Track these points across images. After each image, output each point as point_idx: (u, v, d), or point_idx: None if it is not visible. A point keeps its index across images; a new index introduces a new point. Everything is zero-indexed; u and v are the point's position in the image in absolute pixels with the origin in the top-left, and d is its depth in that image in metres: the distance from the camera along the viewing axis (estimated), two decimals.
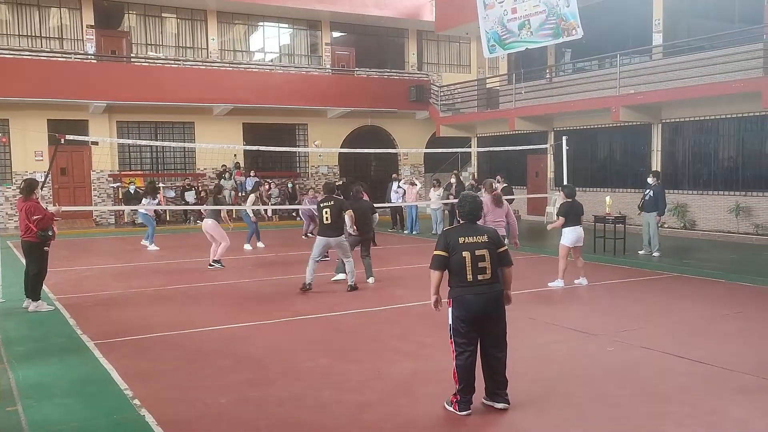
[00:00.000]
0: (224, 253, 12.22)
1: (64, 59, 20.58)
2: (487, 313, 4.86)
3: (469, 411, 4.88)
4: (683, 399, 5.24)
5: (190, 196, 20.87)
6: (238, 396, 5.34)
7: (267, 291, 10.05)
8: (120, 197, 20.49)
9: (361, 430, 4.71)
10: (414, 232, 18.15)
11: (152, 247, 14.81)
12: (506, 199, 15.71)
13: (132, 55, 21.93)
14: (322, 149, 22.43)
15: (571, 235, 9.93)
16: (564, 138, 14.80)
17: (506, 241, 7.90)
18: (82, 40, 21.18)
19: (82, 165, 20.70)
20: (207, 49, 23.06)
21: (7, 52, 19.96)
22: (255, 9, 23.30)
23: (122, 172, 21.11)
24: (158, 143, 20.67)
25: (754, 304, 8.80)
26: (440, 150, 21.63)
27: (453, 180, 17.75)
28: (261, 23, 24.27)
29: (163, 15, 22.53)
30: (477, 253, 4.83)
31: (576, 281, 10.13)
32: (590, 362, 6.30)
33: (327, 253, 11.09)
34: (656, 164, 18.06)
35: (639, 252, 13.58)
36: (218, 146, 19.61)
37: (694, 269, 11.47)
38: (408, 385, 5.61)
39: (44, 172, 20.11)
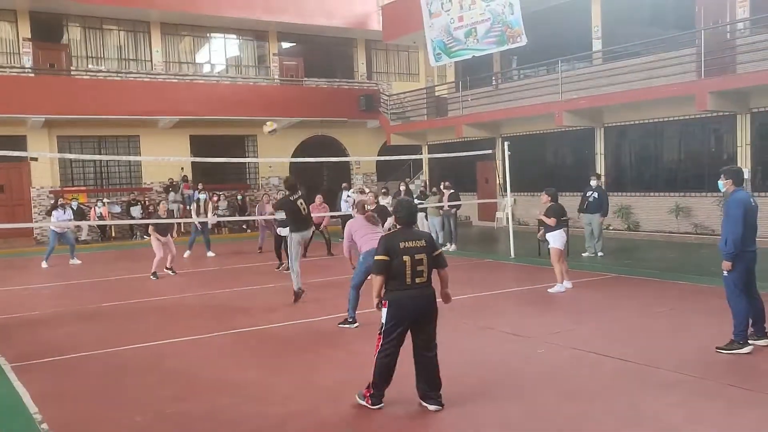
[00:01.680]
0: (159, 265, 12.57)
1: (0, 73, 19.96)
2: (422, 314, 5.02)
3: (382, 405, 5.05)
4: (604, 397, 5.28)
5: (135, 210, 20.41)
6: (156, 413, 5.18)
7: (207, 304, 9.85)
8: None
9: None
10: None
11: (44, 264, 14.54)
12: (453, 205, 15.96)
13: (72, 68, 21.40)
14: (273, 159, 22.24)
15: (560, 238, 9.94)
16: (506, 144, 14.90)
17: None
18: (19, 53, 20.57)
19: (21, 181, 20.07)
20: (151, 61, 22.66)
21: None
22: (200, 20, 23.00)
23: (64, 188, 20.54)
24: (100, 157, 20.24)
25: (685, 301, 8.97)
26: (391, 158, 21.64)
27: (402, 188, 17.76)
28: (207, 34, 23.98)
29: (105, 27, 22.06)
30: (416, 257, 4.99)
31: (549, 291, 9.91)
32: (519, 364, 6.31)
33: (305, 252, 10.97)
34: (600, 168, 18.39)
35: (583, 254, 13.77)
36: (161, 159, 19.24)
37: (632, 269, 11.66)
38: (335, 394, 5.52)
39: None
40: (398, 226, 5.23)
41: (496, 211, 21.28)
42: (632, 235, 16.97)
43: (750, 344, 6.34)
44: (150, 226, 12.69)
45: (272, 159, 22.40)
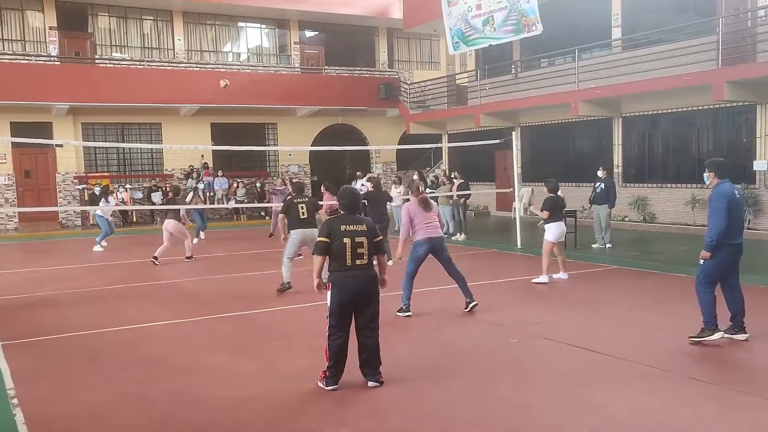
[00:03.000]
0: (191, 247, 13.10)
1: (26, 61, 20.52)
2: (362, 295, 5.25)
3: (336, 386, 5.24)
4: (559, 387, 5.27)
5: (156, 196, 20.84)
6: (120, 393, 5.35)
7: (204, 290, 10.05)
8: (86, 199, 20.43)
9: (230, 424, 4.73)
10: None
11: (97, 248, 14.84)
12: (463, 195, 15.91)
13: (96, 56, 21.88)
14: (292, 147, 22.44)
15: (555, 231, 9.84)
16: (513, 133, 14.76)
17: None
18: (45, 42, 21.11)
19: (47, 167, 20.65)
20: (173, 49, 23.02)
21: None
22: (222, 9, 23.27)
23: (88, 174, 21.07)
24: (123, 145, 20.69)
25: (678, 294, 8.81)
26: (408, 147, 21.73)
27: (416, 176, 17.72)
28: (228, 23, 24.24)
29: (128, 16, 22.47)
30: (357, 240, 5.24)
31: (555, 276, 9.88)
32: (486, 353, 6.33)
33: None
34: (617, 158, 18.12)
35: (593, 246, 13.63)
36: (178, 147, 19.58)
37: (635, 261, 11.50)
38: (297, 378, 5.62)
39: (8, 174, 20.16)
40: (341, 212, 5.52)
41: (514, 201, 21.11)
42: (647, 227, 16.69)
43: (720, 331, 6.32)
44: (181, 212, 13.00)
45: (291, 147, 22.58)
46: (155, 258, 12.56)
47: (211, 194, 21.80)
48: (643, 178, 17.63)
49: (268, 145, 23.92)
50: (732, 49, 14.83)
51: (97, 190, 19.78)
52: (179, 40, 23.02)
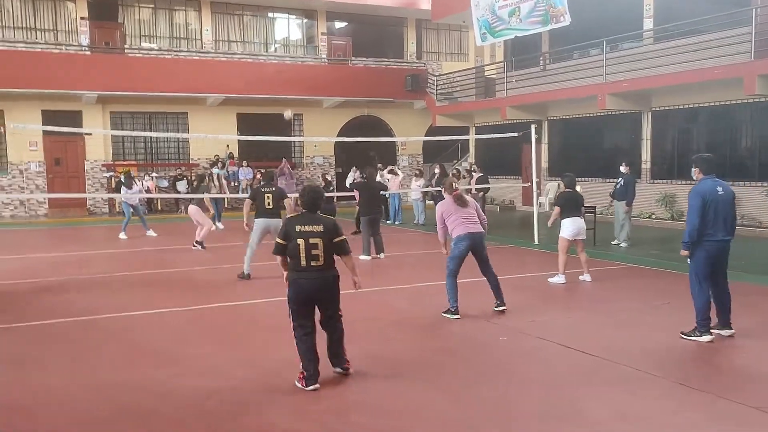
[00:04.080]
0: (206, 236, 13.15)
1: (58, 51, 20.90)
2: (318, 296, 5.21)
3: (316, 385, 5.10)
4: (541, 390, 5.08)
5: (181, 185, 21.04)
6: (96, 382, 5.34)
7: (211, 279, 10.06)
8: (113, 186, 20.75)
9: (196, 415, 4.68)
10: (396, 222, 18.02)
11: (122, 236, 15.00)
12: (481, 189, 15.67)
13: (126, 46, 22.16)
14: (315, 138, 22.42)
15: (570, 227, 9.45)
16: (533, 126, 14.42)
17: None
18: (76, 31, 21.46)
19: (76, 155, 21.04)
20: (201, 39, 23.18)
21: (1, 44, 20.33)
22: None
23: (116, 162, 21.40)
24: (150, 134, 20.93)
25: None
26: (431, 138, 21.49)
27: (437, 170, 17.52)
28: (256, 14, 24.28)
29: (158, 6, 22.69)
30: (311, 241, 5.15)
31: (580, 278, 9.54)
32: (474, 351, 6.18)
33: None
34: (646, 153, 17.62)
35: (612, 242, 13.28)
36: (203, 137, 19.71)
37: (653, 260, 11.14)
38: (274, 371, 5.54)
39: (39, 161, 20.62)
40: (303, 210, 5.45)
41: (539, 195, 20.72)
42: (675, 224, 16.15)
43: (712, 334, 6.24)
44: (207, 201, 13.30)
45: (316, 138, 22.55)
46: (199, 243, 12.95)
47: (236, 184, 21.92)
48: (672, 174, 17.09)
49: (294, 136, 23.93)
50: (766, 42, 14.22)
51: (122, 177, 20.15)
52: (207, 30, 23.16)
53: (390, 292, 8.86)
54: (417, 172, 18.37)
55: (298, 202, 7.30)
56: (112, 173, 21.08)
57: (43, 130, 19.68)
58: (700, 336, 6.22)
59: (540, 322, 7.15)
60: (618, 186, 13.18)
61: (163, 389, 5.16)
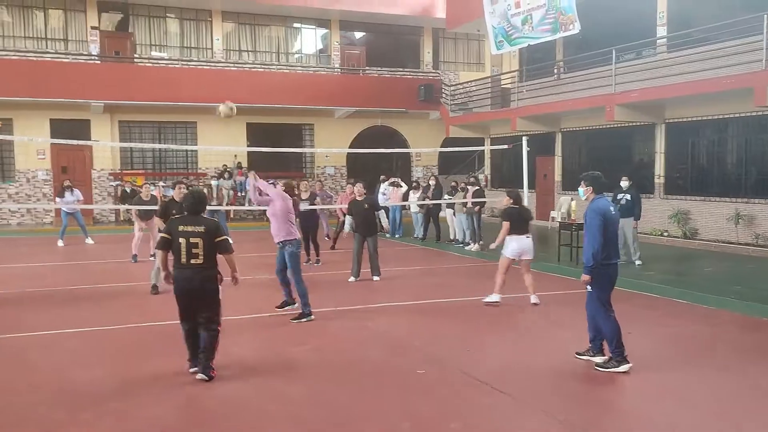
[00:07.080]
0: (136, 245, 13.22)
1: (67, 60, 21.07)
2: (194, 292, 5.60)
3: (196, 369, 5.60)
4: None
5: None
6: None
7: (157, 296, 9.52)
8: (118, 195, 20.74)
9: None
10: (396, 235, 17.41)
11: (60, 243, 15.43)
12: (477, 202, 14.90)
13: (135, 55, 22.24)
14: (325, 150, 22.03)
15: (513, 245, 8.77)
16: (524, 139, 13.70)
17: None
18: (86, 41, 21.63)
19: (84, 163, 21.14)
20: (212, 49, 23.12)
21: (12, 53, 20.60)
22: (261, 9, 23.15)
23: (123, 171, 21.43)
24: (157, 146, 20.93)
25: (649, 324, 7.72)
26: (442, 149, 20.92)
27: (432, 182, 16.88)
28: (268, 23, 24.12)
29: (168, 15, 22.74)
30: (191, 240, 5.57)
31: (531, 300, 8.92)
32: (386, 380, 5.67)
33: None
34: (659, 167, 16.65)
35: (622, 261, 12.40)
36: (210, 149, 19.52)
37: (645, 283, 10.25)
38: (146, 386, 5.17)
39: (46, 170, 20.77)
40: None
41: (552, 210, 19.89)
42: (687, 243, 15.15)
43: (629, 363, 5.83)
44: (133, 211, 12.88)
45: (325, 150, 22.19)
46: (135, 255, 12.87)
47: (243, 194, 21.68)
48: (685, 189, 16.08)
49: (304, 146, 23.62)
50: None
51: (127, 188, 20.13)
52: (218, 39, 23.09)
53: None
54: (415, 184, 17.75)
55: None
56: (119, 182, 21.10)
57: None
58: (618, 366, 5.83)
59: (476, 353, 6.51)
60: (623, 202, 12.25)
61: (20, 416, 4.76)
